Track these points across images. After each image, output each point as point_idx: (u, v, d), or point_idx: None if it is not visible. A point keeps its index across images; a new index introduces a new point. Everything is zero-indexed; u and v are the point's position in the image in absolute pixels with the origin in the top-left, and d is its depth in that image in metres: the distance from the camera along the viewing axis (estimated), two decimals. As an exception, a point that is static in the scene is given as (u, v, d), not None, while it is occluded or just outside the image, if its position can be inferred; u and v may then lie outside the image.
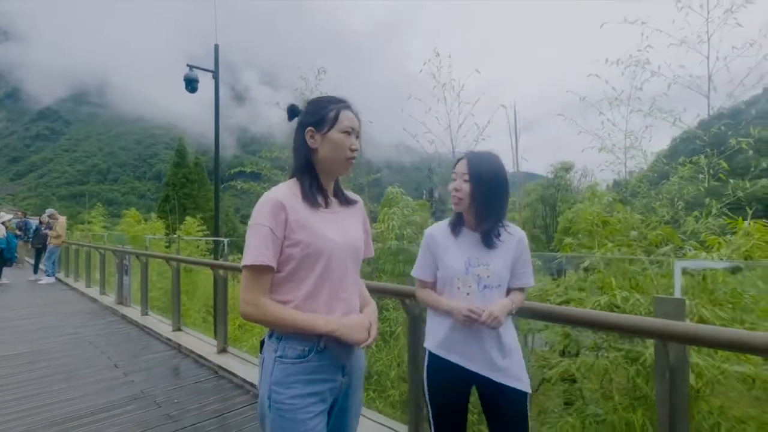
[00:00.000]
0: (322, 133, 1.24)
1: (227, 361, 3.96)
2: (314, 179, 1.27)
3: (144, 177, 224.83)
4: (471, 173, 1.55)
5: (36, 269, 11.24)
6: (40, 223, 11.72)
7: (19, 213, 16.48)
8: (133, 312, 6.31)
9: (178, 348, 4.60)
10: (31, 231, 12.99)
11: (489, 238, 1.57)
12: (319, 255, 1.19)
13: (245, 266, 1.15)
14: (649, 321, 1.56)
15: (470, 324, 1.48)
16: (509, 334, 1.59)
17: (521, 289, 1.65)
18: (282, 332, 1.20)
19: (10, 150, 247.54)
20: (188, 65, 7.56)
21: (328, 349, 1.20)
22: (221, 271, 4.52)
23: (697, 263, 2.63)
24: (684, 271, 2.98)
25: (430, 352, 1.63)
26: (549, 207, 18.81)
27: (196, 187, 38.83)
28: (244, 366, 3.82)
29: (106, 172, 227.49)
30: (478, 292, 1.55)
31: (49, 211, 10.56)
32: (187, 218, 15.02)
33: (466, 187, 1.55)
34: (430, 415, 1.62)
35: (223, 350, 4.23)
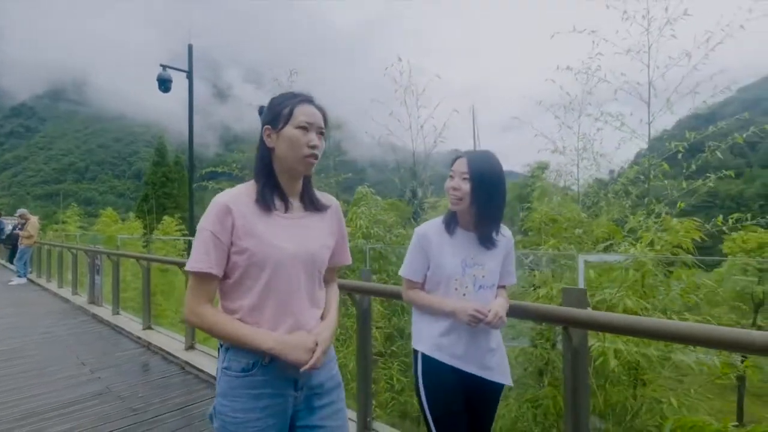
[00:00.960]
0: (277, 131, 1.18)
1: (194, 357, 4.07)
2: (270, 181, 1.20)
3: (123, 176, 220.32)
4: (472, 172, 1.51)
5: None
6: (17, 227, 11.54)
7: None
8: (105, 311, 6.33)
9: (148, 346, 4.68)
10: (5, 231, 12.77)
11: (489, 239, 1.57)
12: (264, 264, 1.13)
13: (187, 271, 1.12)
14: (554, 309, 1.72)
15: (475, 324, 1.45)
16: (496, 333, 1.62)
17: (503, 287, 1.68)
18: (227, 343, 1.16)
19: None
20: (161, 65, 7.58)
21: (273, 363, 1.13)
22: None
23: (597, 257, 2.86)
24: (620, 265, 3.22)
25: (424, 356, 1.57)
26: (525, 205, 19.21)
27: (176, 186, 38.32)
28: (212, 361, 3.93)
29: (83, 170, 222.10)
30: (474, 292, 1.55)
31: (20, 211, 10.42)
32: (165, 218, 14.90)
33: (465, 186, 1.52)
34: (431, 423, 1.54)
35: (191, 347, 4.33)
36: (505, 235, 1.63)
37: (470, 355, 1.53)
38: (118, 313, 6.10)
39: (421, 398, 1.56)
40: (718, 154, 3.43)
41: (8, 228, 13.10)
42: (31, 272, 10.71)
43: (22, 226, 10.19)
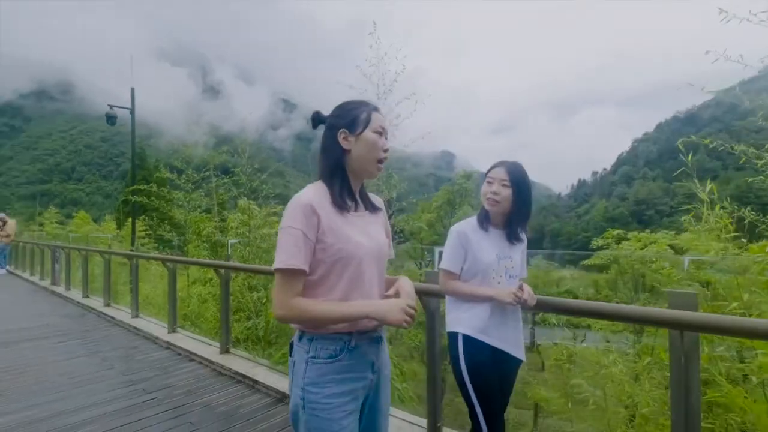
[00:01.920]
0: (355, 134, 1.26)
1: (176, 338, 4.95)
2: (345, 182, 1.28)
3: (111, 176, 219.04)
4: (512, 180, 1.73)
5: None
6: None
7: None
8: (63, 290, 8.74)
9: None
10: None
11: (516, 236, 1.80)
12: (350, 259, 1.20)
13: (276, 269, 1.16)
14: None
15: (516, 303, 1.64)
16: (520, 317, 1.83)
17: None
18: (313, 333, 1.21)
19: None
20: (109, 105, 9.98)
21: (358, 347, 1.23)
22: (170, 265, 7.03)
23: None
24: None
25: (465, 337, 1.73)
26: (451, 208, 21.82)
27: (155, 189, 40.05)
28: (190, 341, 4.81)
29: (70, 171, 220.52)
30: (506, 281, 1.76)
31: (0, 214, 12.76)
32: (128, 220, 17.22)
33: (504, 192, 1.73)
34: (473, 396, 1.72)
35: (173, 330, 5.26)
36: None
37: (506, 335, 1.73)
38: (87, 297, 7.84)
39: (462, 375, 1.73)
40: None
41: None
42: (10, 266, 12.99)
43: (2, 227, 12.50)
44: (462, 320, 1.76)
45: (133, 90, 10.29)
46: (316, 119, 1.33)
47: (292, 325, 1.27)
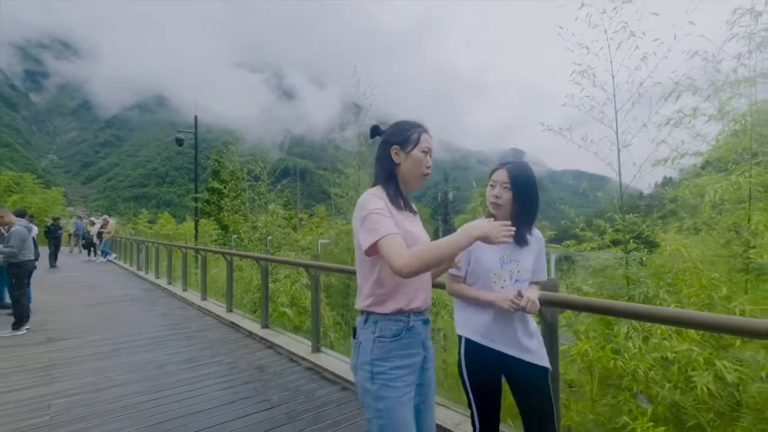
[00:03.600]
0: (406, 151, 1.46)
1: (234, 316, 7.82)
2: (397, 188, 1.49)
3: (198, 179, 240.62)
4: (512, 182, 1.72)
5: (89, 254, 17.30)
6: (102, 226, 17.62)
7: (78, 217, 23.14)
8: (150, 277, 11.54)
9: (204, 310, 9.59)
10: (81, 230, 19.46)
11: (523, 239, 1.77)
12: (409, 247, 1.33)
13: (380, 240, 1.30)
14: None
15: (515, 309, 1.63)
16: (532, 321, 1.83)
17: (536, 282, 1.87)
18: (377, 315, 1.42)
19: (82, 156, 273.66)
20: (177, 130, 12.76)
21: (414, 327, 1.44)
22: (262, 262, 9.43)
23: (568, 253, 4.27)
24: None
25: (467, 340, 1.79)
26: (474, 215, 22.82)
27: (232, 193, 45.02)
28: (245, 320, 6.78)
29: (164, 175, 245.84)
30: (511, 285, 1.75)
31: (104, 216, 16.46)
32: (202, 220, 20.52)
33: (506, 195, 1.73)
34: (470, 395, 1.79)
35: (230, 310, 6.48)
36: (535, 234, 1.82)
37: (508, 339, 1.75)
38: (170, 284, 9.56)
39: (463, 376, 1.81)
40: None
41: (92, 230, 19.27)
42: (116, 257, 16.57)
43: (104, 226, 16.13)
44: (466, 323, 1.82)
45: (196, 117, 12.99)
46: (374, 131, 1.55)
47: (359, 307, 1.47)
